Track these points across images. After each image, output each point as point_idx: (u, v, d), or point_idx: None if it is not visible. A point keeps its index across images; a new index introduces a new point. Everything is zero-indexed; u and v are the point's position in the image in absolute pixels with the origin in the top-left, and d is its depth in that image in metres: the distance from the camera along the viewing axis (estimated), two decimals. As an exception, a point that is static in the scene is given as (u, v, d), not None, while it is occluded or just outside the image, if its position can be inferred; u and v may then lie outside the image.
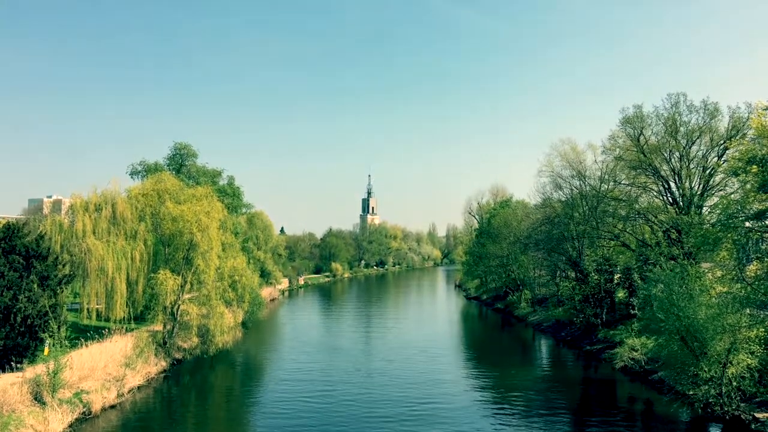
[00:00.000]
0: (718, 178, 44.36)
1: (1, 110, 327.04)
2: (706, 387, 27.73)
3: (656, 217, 46.73)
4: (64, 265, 38.17)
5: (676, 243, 43.98)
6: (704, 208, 45.21)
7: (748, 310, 27.91)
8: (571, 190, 57.10)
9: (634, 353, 39.86)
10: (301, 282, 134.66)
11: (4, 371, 30.54)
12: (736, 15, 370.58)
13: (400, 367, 42.74)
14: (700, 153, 45.51)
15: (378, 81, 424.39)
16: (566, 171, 57.34)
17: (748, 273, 28.49)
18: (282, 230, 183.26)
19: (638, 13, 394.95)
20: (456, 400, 33.33)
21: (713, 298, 29.15)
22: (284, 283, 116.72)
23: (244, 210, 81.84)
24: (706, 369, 27.67)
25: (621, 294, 53.45)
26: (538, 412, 31.11)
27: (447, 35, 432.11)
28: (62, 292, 36.81)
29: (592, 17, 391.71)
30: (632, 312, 48.37)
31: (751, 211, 27.69)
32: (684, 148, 45.43)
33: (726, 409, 27.31)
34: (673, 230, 44.87)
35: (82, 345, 35.47)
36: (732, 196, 36.35)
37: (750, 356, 27.52)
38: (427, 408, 31.47)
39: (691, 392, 28.26)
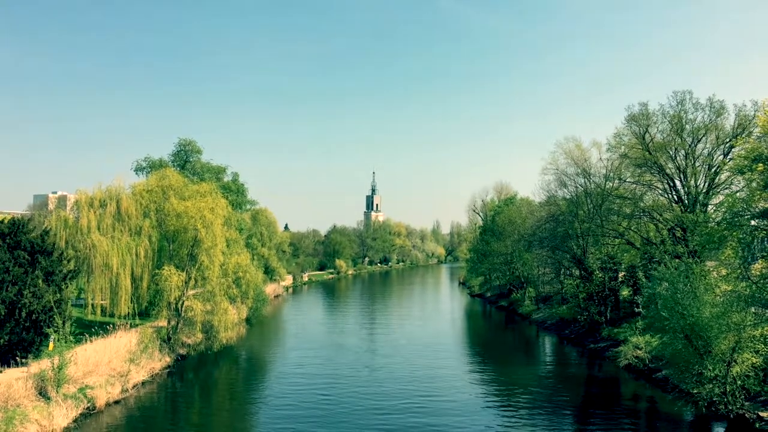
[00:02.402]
0: (723, 176, 44.10)
1: (6, 107, 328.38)
2: (711, 385, 27.62)
3: (661, 215, 46.54)
4: (68, 261, 38.29)
5: (681, 241, 43.81)
6: (709, 206, 44.98)
7: (753, 309, 27.82)
8: (576, 187, 56.94)
9: (638, 351, 39.78)
10: (305, 279, 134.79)
11: (9, 366, 30.67)
12: (739, 15, 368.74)
13: (404, 363, 42.74)
14: (705, 151, 45.29)
15: (382, 79, 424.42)
16: (571, 169, 57.18)
17: (753, 271, 28.38)
18: (286, 227, 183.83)
19: (641, 14, 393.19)
20: (460, 397, 33.32)
21: (718, 297, 29.03)
22: (288, 280, 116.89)
23: (248, 206, 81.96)
24: (710, 367, 27.57)
25: (625, 292, 53.31)
26: (542, 410, 31.08)
27: (450, 34, 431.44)
28: (67, 287, 36.95)
29: (594, 17, 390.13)
30: (636, 310, 48.27)
31: (757, 210, 27.57)
32: (689, 146, 45.21)
33: (730, 407, 27.22)
34: (678, 228, 44.69)
35: (86, 340, 35.61)
36: (737, 194, 36.16)
37: (755, 355, 27.41)
38: (431, 404, 31.47)
39: (695, 391, 28.17)
